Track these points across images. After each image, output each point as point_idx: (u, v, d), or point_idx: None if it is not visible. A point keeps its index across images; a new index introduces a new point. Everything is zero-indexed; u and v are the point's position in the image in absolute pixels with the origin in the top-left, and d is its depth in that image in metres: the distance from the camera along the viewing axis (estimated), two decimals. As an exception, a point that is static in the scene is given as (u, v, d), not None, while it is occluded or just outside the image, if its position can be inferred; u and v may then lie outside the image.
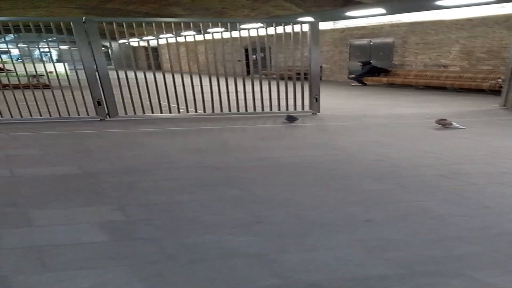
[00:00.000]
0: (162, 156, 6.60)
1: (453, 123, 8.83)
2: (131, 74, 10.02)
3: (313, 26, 10.87)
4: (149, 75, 10.10)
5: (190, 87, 10.32)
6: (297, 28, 10.88)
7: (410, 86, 19.51)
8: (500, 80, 15.69)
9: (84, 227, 3.81)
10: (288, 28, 10.76)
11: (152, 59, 10.62)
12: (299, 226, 3.84)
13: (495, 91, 15.64)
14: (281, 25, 10.91)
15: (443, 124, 8.85)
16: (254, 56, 14.22)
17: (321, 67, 22.87)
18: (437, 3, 17.69)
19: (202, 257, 3.23)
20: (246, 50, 15.51)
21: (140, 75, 9.97)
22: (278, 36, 10.98)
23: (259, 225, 3.86)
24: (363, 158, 6.38)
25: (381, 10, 19.52)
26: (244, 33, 11.30)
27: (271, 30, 10.89)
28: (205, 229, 3.76)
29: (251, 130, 9.05)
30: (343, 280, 2.89)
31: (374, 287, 2.80)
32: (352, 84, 22.21)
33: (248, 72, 11.74)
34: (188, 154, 6.71)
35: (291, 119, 9.83)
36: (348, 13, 20.79)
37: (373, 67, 21.79)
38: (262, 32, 10.86)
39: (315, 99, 11.19)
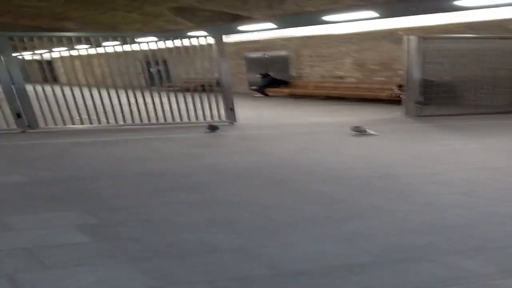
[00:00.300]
0: (106, 164, 6.70)
1: (368, 130, 9.39)
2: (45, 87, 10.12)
3: (218, 39, 11.27)
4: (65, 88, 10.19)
5: (106, 99, 10.48)
6: (202, 41, 11.29)
7: (311, 96, 20.26)
8: (396, 90, 16.72)
9: (63, 230, 3.92)
10: (192, 42, 11.14)
11: (48, 72, 10.95)
12: (269, 224, 4.11)
13: (392, 101, 16.62)
14: (182, 39, 11.27)
15: (359, 131, 9.38)
16: (154, 69, 14.42)
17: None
18: (324, 18, 18.67)
19: (190, 252, 3.44)
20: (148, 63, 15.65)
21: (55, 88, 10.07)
22: (182, 49, 11.32)
23: (231, 224, 4.10)
24: (300, 163, 6.74)
25: (272, 25, 20.31)
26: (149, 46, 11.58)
27: (172, 43, 11.23)
28: (181, 228, 3.97)
29: (177, 140, 9.24)
30: (328, 268, 3.18)
31: (358, 272, 3.11)
32: (255, 95, 22.76)
33: (152, 84, 12.00)
34: (130, 163, 6.84)
35: (212, 128, 10.08)
36: (240, 28, 21.33)
37: (273, 79, 22.52)
38: (165, 45, 11.19)
39: (230, 109, 11.51)
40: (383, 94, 17.53)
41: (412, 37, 12.60)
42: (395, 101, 16.42)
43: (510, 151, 7.77)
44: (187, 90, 11.30)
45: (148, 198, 4.90)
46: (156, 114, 10.92)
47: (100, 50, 12.02)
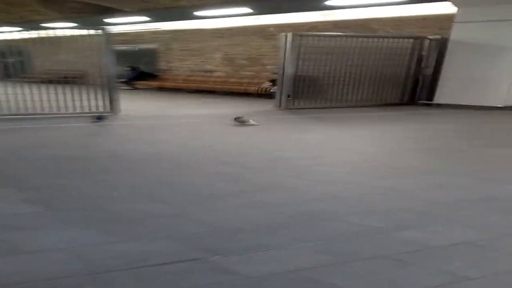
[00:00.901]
0: (12, 150, 6.89)
1: (250, 120, 10.13)
2: None
3: (103, 32, 11.59)
4: None
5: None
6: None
7: (181, 89, 20.80)
8: (265, 84, 17.71)
9: (9, 203, 4.30)
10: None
11: None
12: (192, 197, 4.69)
13: (261, 95, 17.59)
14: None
15: (241, 121, 10.09)
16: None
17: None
18: (196, 13, 19.33)
19: (137, 218, 3.96)
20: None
21: None
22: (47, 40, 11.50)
23: (159, 197, 4.64)
24: (196, 149, 7.36)
25: (143, 18, 20.61)
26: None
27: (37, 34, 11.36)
28: (118, 201, 4.46)
29: (67, 129, 9.47)
30: (256, 226, 3.79)
31: (282, 229, 3.76)
32: (123, 87, 22.87)
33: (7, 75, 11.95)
34: (33, 149, 7.08)
35: (99, 118, 10.33)
36: (110, 20, 21.40)
37: (142, 72, 22.83)
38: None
39: (114, 100, 11.80)
40: (252, 88, 18.44)
41: (288, 34, 13.39)
42: (263, 95, 17.39)
43: (374, 138, 8.82)
44: (50, 81, 11.48)
45: (69, 179, 5.29)
46: (41, 104, 10.99)
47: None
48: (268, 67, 19.57)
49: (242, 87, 19.01)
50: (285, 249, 3.40)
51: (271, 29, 19.24)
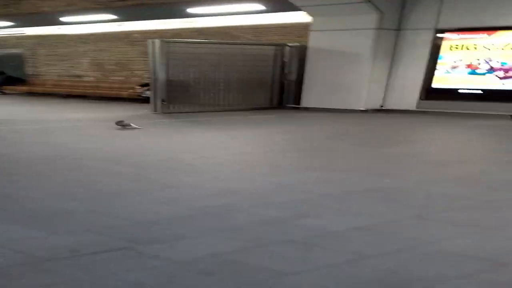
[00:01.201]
0: None
1: (131, 124, 10.32)
2: None
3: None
4: None
5: None
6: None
7: (52, 94, 20.43)
8: (138, 89, 17.88)
9: None
10: None
11: None
12: (99, 194, 4.94)
13: (134, 99, 17.74)
14: None
15: (123, 125, 10.26)
16: None
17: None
18: (61, 19, 19.19)
19: (57, 214, 4.16)
20: None
21: None
22: None
23: (71, 196, 4.86)
24: (88, 151, 7.55)
25: (7, 23, 20.17)
26: None
27: None
28: (31, 201, 4.64)
29: None
30: (169, 219, 4.14)
31: (194, 220, 4.14)
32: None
33: None
34: None
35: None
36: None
37: (8, 77, 22.19)
38: None
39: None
40: (125, 93, 18.52)
41: (156, 40, 13.68)
42: (137, 100, 17.55)
43: (253, 140, 9.38)
44: None
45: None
46: None
47: None
48: (137, 72, 19.80)
49: (114, 92, 19.03)
50: (202, 238, 3.78)
51: (136, 35, 19.50)
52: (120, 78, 20.34)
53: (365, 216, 4.32)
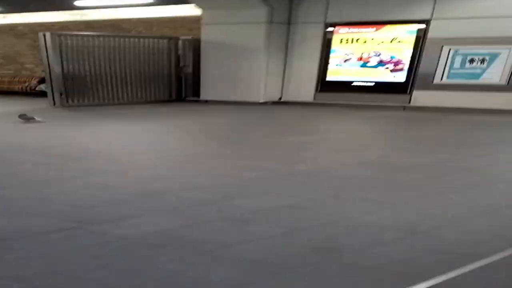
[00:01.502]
0: None
1: (35, 117, 10.21)
2: None
3: None
4: None
5: None
6: None
7: None
8: (32, 83, 17.47)
9: None
10: None
11: None
12: (38, 182, 5.04)
13: (28, 93, 17.34)
14: None
15: (26, 118, 10.14)
16: None
17: None
18: None
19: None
20: None
21: None
22: None
23: (5, 187, 4.93)
24: (9, 145, 7.45)
25: None
26: None
27: None
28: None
29: None
30: (114, 201, 4.38)
31: (132, 204, 4.38)
32: None
33: None
34: None
35: None
36: None
37: None
38: None
39: None
40: (17, 87, 18.04)
41: (47, 33, 13.40)
42: (30, 94, 17.18)
43: (162, 131, 9.47)
44: None
45: None
46: None
47: None
48: (27, 65, 19.33)
49: (5, 86, 18.48)
50: (144, 217, 4.05)
51: (21, 28, 19.10)
52: (9, 71, 19.76)
53: (288, 197, 4.72)
